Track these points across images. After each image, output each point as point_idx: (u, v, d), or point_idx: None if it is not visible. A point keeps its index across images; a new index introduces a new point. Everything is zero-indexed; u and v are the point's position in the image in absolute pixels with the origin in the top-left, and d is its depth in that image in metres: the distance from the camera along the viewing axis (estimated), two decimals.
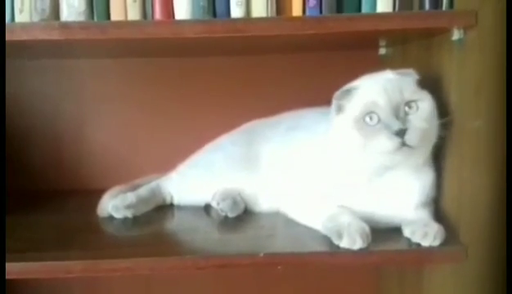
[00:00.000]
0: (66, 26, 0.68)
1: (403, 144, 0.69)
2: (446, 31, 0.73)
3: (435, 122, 0.73)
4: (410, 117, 0.70)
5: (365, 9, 0.72)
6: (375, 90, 0.72)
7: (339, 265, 0.74)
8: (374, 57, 1.06)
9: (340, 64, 1.07)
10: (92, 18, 0.73)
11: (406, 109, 0.71)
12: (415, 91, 0.73)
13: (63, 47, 0.84)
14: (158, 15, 0.72)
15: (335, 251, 0.70)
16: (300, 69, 1.09)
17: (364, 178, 0.75)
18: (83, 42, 0.71)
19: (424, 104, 0.72)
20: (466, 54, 0.71)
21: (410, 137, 0.69)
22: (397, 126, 0.69)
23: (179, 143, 1.06)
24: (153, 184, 0.95)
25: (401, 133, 0.68)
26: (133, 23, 0.69)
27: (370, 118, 0.71)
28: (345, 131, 0.74)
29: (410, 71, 0.76)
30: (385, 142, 0.69)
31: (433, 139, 0.74)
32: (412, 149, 0.70)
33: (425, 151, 0.74)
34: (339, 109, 0.75)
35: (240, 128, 0.97)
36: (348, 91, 0.75)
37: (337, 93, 0.75)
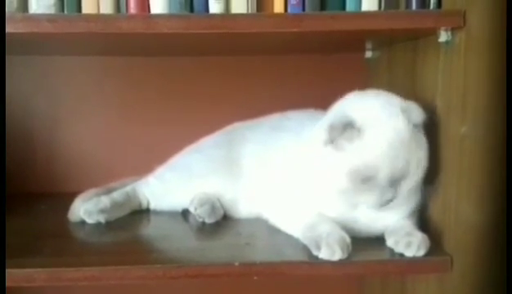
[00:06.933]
0: (32, 18, 0.65)
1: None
2: (433, 32, 0.71)
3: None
4: (402, 182, 0.69)
5: (349, 8, 0.70)
6: (382, 152, 0.66)
7: (319, 275, 0.71)
8: (360, 60, 1.04)
9: (326, 68, 1.06)
10: (63, 12, 0.69)
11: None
12: (420, 152, 0.69)
13: (33, 43, 0.81)
14: (132, 10, 0.69)
15: (314, 261, 0.67)
16: (285, 72, 1.07)
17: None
18: (51, 36, 0.68)
19: (415, 177, 0.69)
20: (453, 57, 0.69)
21: (393, 202, 0.69)
22: (387, 196, 0.68)
23: (157, 145, 1.03)
24: (129, 187, 0.91)
25: (388, 202, 0.69)
26: (104, 16, 0.66)
27: (368, 179, 0.67)
28: (334, 171, 0.69)
29: (416, 112, 0.69)
30: (371, 201, 0.69)
31: None
32: None
33: None
34: (332, 143, 0.68)
35: (222, 131, 0.94)
36: (349, 129, 0.66)
37: (334, 123, 0.67)
